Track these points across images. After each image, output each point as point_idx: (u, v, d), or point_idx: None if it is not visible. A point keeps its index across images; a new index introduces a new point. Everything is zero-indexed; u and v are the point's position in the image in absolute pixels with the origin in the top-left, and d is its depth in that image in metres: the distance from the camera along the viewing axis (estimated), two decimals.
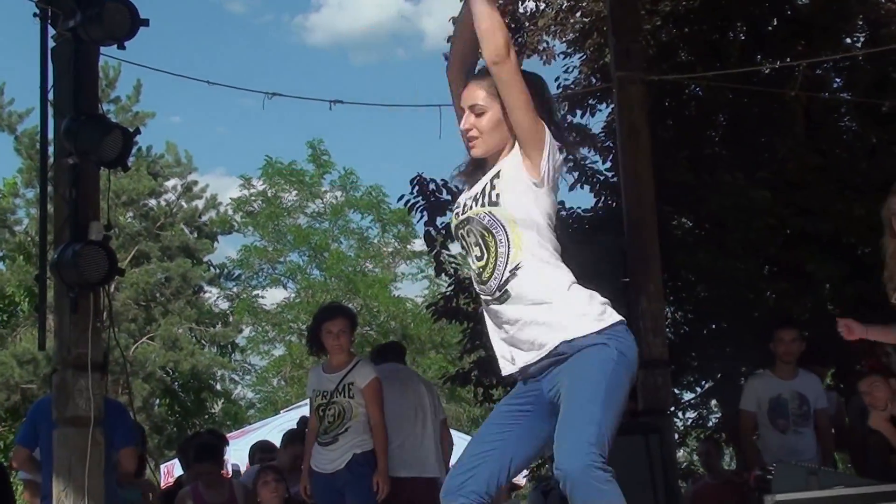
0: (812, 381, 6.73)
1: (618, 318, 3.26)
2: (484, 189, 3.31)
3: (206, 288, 25.55)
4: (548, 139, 3.28)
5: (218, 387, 25.98)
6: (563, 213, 10.80)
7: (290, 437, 7.88)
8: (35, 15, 5.46)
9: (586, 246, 7.45)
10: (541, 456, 3.42)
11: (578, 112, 11.44)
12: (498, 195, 3.26)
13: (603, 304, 3.29)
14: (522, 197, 3.28)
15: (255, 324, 29.06)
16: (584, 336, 3.19)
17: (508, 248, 3.26)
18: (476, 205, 3.31)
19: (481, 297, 3.38)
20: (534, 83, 3.38)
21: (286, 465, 7.40)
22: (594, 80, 11.36)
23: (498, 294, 3.29)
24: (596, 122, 11.49)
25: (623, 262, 7.33)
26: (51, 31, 5.50)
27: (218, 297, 27.47)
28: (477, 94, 3.35)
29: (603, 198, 10.97)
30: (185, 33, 40.44)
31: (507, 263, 3.26)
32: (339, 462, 5.81)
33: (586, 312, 3.23)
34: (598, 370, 3.14)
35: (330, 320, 5.97)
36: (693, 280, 10.64)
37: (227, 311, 27.24)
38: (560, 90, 11.55)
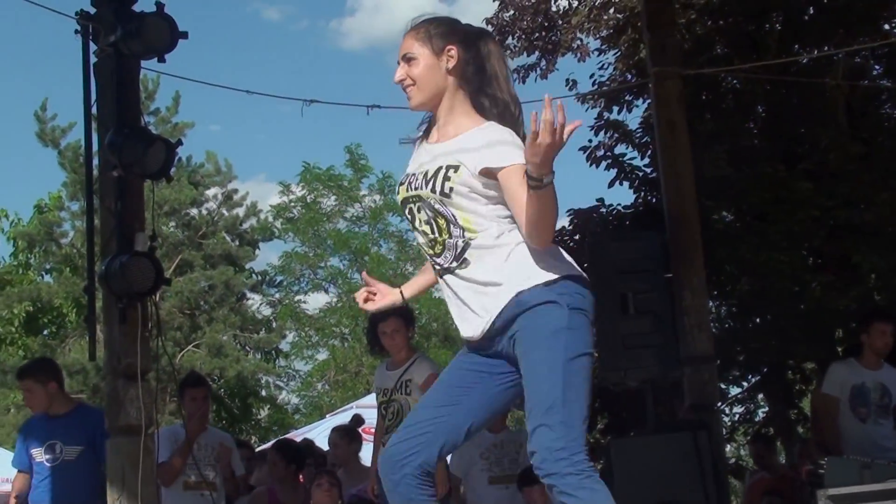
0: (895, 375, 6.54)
1: (567, 270, 3.10)
2: (437, 174, 3.15)
3: (249, 295, 25.73)
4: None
5: (263, 393, 26.11)
6: (603, 209, 10.79)
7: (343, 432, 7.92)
8: (76, 31, 5.54)
9: (627, 242, 7.40)
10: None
11: (615, 108, 11.41)
12: (451, 189, 3.12)
13: (555, 257, 3.13)
14: (478, 200, 3.14)
15: (298, 329, 29.19)
16: (529, 289, 3.06)
17: (463, 231, 3.14)
18: (427, 187, 3.16)
19: (433, 265, 3.28)
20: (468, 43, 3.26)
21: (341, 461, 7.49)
22: (630, 76, 11.32)
23: (448, 266, 3.19)
24: (633, 118, 11.42)
25: (665, 258, 7.28)
26: (92, 47, 5.57)
27: (261, 304, 27.64)
28: (409, 43, 3.25)
29: (642, 194, 10.93)
30: (223, 43, 40.74)
31: (460, 243, 3.15)
32: None
33: (533, 266, 3.08)
34: (551, 345, 3.00)
35: (383, 321, 5.95)
36: (736, 274, 10.57)
37: (271, 317, 27.38)
38: (595, 87, 11.53)
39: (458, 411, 3.21)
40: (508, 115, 3.23)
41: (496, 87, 3.26)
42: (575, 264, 3.18)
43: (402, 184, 3.31)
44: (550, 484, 2.95)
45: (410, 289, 3.59)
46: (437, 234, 3.19)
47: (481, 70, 3.26)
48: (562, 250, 3.19)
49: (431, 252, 3.24)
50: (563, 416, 2.96)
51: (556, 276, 3.08)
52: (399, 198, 3.32)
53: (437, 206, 3.16)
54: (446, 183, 3.13)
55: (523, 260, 3.11)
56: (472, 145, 3.15)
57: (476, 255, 3.14)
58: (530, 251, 3.11)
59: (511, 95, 3.27)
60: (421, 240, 3.28)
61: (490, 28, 11.42)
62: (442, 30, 3.27)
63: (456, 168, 3.13)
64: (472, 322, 3.18)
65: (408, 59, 3.25)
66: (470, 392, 3.22)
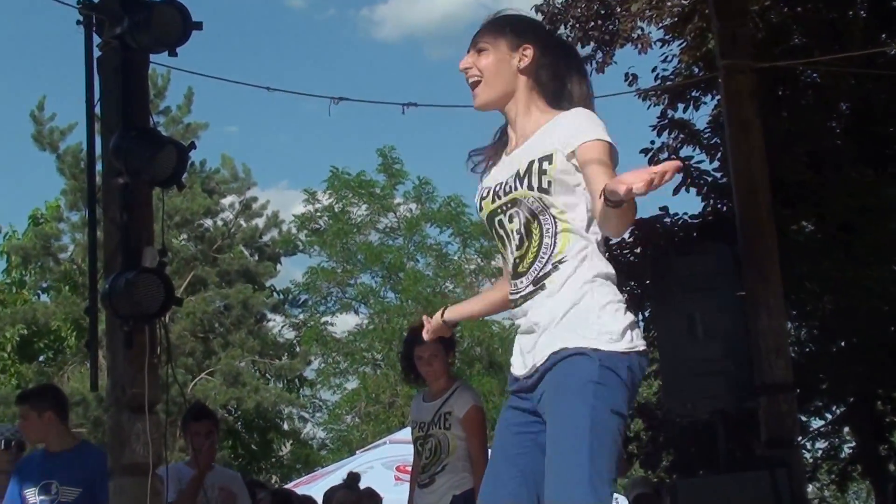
0: None
1: (623, 347, 3.09)
2: (531, 168, 3.20)
3: (270, 316, 25.84)
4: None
5: (285, 426, 26.19)
6: (668, 219, 10.74)
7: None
8: (78, 22, 5.58)
9: (695, 256, 7.37)
10: None
11: (680, 106, 11.36)
12: (550, 182, 3.17)
13: (625, 329, 3.12)
14: (576, 194, 3.19)
15: (324, 354, 29.28)
16: (573, 348, 3.09)
17: (555, 238, 3.18)
18: (522, 186, 3.21)
19: (510, 297, 3.30)
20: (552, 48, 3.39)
21: None
22: (696, 70, 11.28)
23: (532, 289, 3.20)
24: (700, 117, 11.38)
25: (738, 274, 7.25)
26: (96, 40, 5.61)
27: (283, 326, 27.80)
28: (484, 33, 3.39)
29: (711, 201, 10.88)
30: (241, 34, 41.11)
31: (550, 255, 3.18)
32: None
33: (593, 329, 3.10)
34: (578, 396, 3.02)
35: (420, 345, 5.93)
36: (818, 291, 10.49)
37: (294, 341, 27.51)
38: (658, 82, 11.49)
39: (526, 473, 3.21)
40: None
41: (576, 104, 3.31)
42: (637, 331, 3.17)
43: (483, 198, 3.35)
44: None
45: (455, 312, 3.72)
46: (527, 243, 3.22)
47: (558, 80, 3.34)
48: (629, 313, 3.19)
49: (514, 272, 3.26)
50: (590, 469, 2.96)
51: (603, 349, 3.07)
52: (484, 214, 3.37)
53: (534, 206, 3.20)
54: (543, 177, 3.19)
55: (584, 312, 3.13)
56: (560, 130, 3.22)
57: (564, 273, 3.16)
58: (598, 299, 3.13)
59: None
60: (509, 255, 3.29)
61: (540, 16, 11.43)
62: (522, 27, 3.40)
63: (550, 158, 3.20)
64: (517, 359, 3.27)
65: (479, 49, 3.38)
66: (529, 452, 3.21)
